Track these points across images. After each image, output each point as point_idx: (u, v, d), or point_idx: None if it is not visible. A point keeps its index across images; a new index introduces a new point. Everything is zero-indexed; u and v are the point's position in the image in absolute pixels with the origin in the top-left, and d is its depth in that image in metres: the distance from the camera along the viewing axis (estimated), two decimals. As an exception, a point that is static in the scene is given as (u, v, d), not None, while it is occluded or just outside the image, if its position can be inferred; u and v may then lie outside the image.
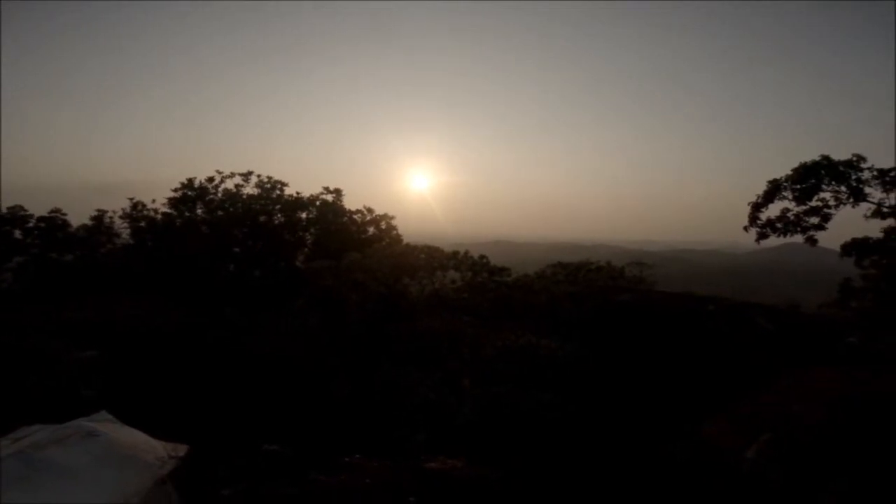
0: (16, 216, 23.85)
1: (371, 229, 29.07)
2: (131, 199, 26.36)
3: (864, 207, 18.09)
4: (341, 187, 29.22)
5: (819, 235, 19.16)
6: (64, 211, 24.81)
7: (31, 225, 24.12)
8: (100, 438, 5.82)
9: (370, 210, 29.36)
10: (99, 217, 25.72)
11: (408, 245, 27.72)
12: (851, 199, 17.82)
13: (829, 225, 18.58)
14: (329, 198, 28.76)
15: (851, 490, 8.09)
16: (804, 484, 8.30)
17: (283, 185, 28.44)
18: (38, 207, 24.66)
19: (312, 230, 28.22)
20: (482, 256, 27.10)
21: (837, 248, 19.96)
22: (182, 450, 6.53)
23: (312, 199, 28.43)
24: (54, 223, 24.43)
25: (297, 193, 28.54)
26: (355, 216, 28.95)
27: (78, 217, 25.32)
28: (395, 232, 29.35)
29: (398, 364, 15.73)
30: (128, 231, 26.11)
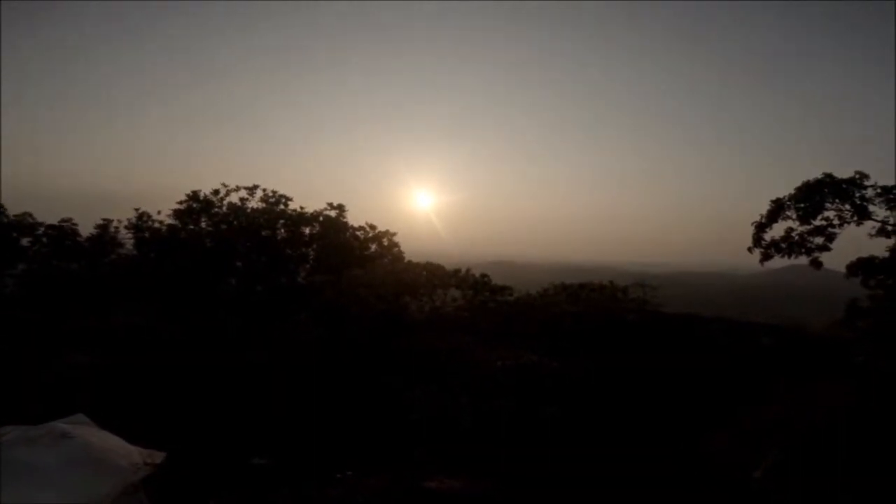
0: (23, 223, 23.84)
1: (373, 246, 29.03)
2: (137, 209, 26.52)
3: (869, 226, 18.00)
4: (344, 203, 29.31)
5: (823, 256, 19.01)
6: (75, 220, 24.91)
7: (39, 232, 24.10)
8: (72, 441, 5.71)
9: (373, 227, 29.40)
10: (104, 226, 25.78)
11: (409, 262, 27.64)
12: (855, 218, 17.70)
13: (834, 245, 18.45)
14: (332, 213, 28.82)
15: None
16: (811, 500, 8.10)
17: (288, 199, 28.53)
18: (42, 216, 24.74)
19: (315, 245, 28.19)
20: (483, 275, 26.96)
21: (841, 269, 19.78)
22: (158, 457, 6.36)
23: (316, 215, 28.47)
24: (64, 232, 24.42)
25: (301, 208, 28.62)
26: (358, 232, 28.95)
27: (82, 226, 25.42)
28: (396, 249, 29.30)
29: (397, 379, 15.55)
30: (132, 241, 26.11)
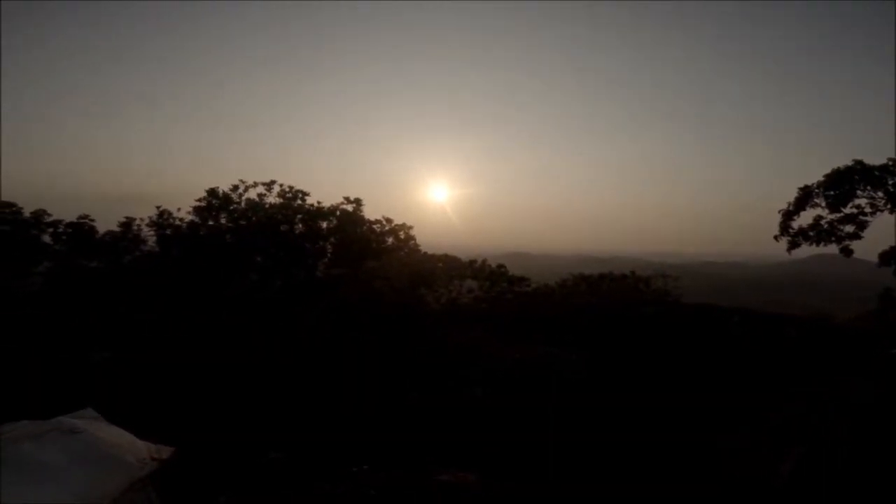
0: (40, 220, 24.19)
1: (390, 239, 29.13)
2: (158, 207, 26.98)
3: (902, 214, 17.28)
4: (361, 197, 29.40)
5: (853, 245, 18.37)
6: (92, 218, 25.41)
7: (60, 230, 24.51)
8: (80, 436, 5.66)
9: (389, 220, 29.48)
10: (127, 224, 26.28)
11: (426, 254, 27.67)
12: (888, 206, 17.03)
13: (865, 233, 17.80)
14: (349, 207, 28.96)
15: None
16: (839, 499, 7.89)
17: (305, 194, 28.74)
18: (62, 216, 25.05)
19: (333, 239, 28.40)
20: (500, 265, 26.83)
21: (870, 258, 19.10)
22: (166, 452, 6.28)
23: (333, 209, 28.65)
24: (82, 229, 24.85)
25: (318, 203, 28.81)
26: (374, 226, 29.07)
27: (105, 227, 25.88)
28: (413, 242, 29.35)
29: (412, 373, 15.60)
30: (154, 239, 26.60)
